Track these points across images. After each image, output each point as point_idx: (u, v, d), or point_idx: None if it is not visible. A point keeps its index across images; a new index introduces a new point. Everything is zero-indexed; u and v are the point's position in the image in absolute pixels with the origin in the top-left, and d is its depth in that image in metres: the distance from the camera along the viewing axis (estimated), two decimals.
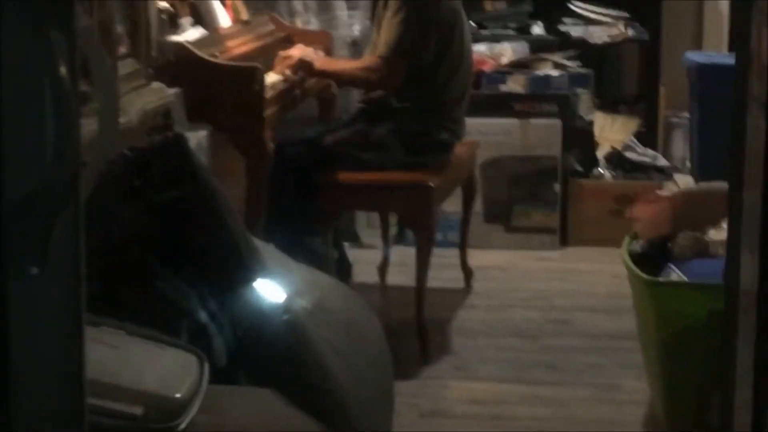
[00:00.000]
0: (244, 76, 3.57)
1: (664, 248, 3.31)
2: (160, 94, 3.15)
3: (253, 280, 2.33)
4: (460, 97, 3.94)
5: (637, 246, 3.33)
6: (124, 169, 1.92)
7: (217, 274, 2.08)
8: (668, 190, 3.88)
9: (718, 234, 3.21)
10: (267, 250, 2.71)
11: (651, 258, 3.31)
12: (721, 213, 3.26)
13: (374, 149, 3.83)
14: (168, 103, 3.20)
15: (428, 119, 3.85)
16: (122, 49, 3.01)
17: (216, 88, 3.55)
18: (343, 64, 4.03)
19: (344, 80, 4.06)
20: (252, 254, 2.37)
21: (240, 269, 2.19)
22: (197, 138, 3.41)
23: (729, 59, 4.22)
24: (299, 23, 5.09)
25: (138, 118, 2.89)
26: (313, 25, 5.11)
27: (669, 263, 3.26)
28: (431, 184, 3.71)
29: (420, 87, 3.82)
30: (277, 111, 3.76)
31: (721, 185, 3.50)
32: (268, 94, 3.67)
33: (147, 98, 3.04)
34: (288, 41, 4.62)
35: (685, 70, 4.22)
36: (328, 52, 4.62)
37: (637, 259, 3.30)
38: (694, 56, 4.23)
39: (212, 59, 3.60)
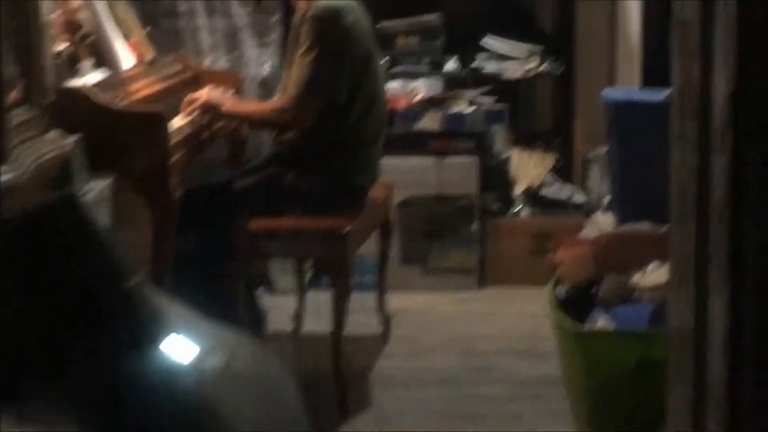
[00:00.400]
0: (147, 122, 3.39)
1: (588, 293, 3.22)
2: (57, 143, 2.97)
3: (155, 346, 2.17)
4: (374, 137, 3.82)
5: (562, 292, 3.23)
6: (7, 240, 1.75)
7: (114, 350, 1.92)
8: (589, 230, 3.78)
9: (644, 278, 3.13)
10: (171, 308, 2.55)
11: (576, 303, 3.22)
12: (646, 256, 3.18)
13: (287, 194, 3.68)
14: (66, 152, 3.02)
15: (342, 161, 3.72)
16: (15, 96, 2.82)
17: (118, 135, 3.37)
18: (252, 105, 3.87)
19: (254, 122, 3.92)
20: (154, 319, 2.20)
21: (140, 339, 2.03)
22: (99, 188, 3.22)
23: (647, 95, 4.17)
24: (208, 62, 4.95)
25: (33, 171, 2.71)
26: (222, 63, 4.97)
27: (594, 308, 3.16)
28: (346, 230, 3.56)
29: (333, 128, 3.69)
30: (184, 156, 3.59)
31: (645, 227, 3.43)
32: (174, 139, 3.50)
33: (43, 149, 2.85)
34: (196, 81, 4.46)
35: (602, 106, 4.14)
36: (238, 91, 4.48)
37: (562, 304, 3.20)
38: (612, 93, 4.16)
39: (113, 105, 3.42)
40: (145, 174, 3.39)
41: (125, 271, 2.05)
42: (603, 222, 3.90)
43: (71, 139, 3.10)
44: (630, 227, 3.45)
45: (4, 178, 2.54)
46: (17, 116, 2.79)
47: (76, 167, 3.08)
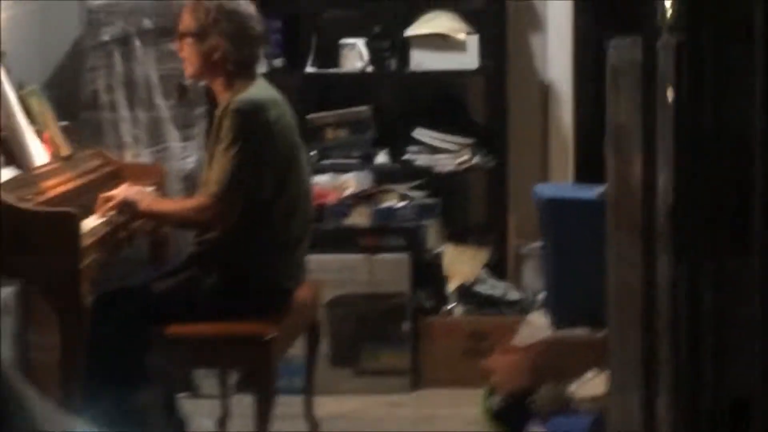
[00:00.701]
0: (56, 223, 3.20)
1: (524, 403, 3.07)
2: None
3: None
4: (300, 236, 3.65)
5: (496, 401, 3.07)
6: None
7: None
8: (524, 334, 3.64)
9: (581, 387, 2.98)
10: (79, 425, 2.34)
11: (511, 413, 3.06)
12: (583, 364, 3.03)
13: (207, 298, 3.49)
14: None
15: (265, 263, 3.54)
16: None
17: (25, 237, 3.17)
18: (171, 204, 3.68)
19: (173, 221, 3.73)
20: None
21: None
22: (4, 296, 3.02)
23: (579, 192, 4.06)
24: (128, 156, 4.77)
25: None
26: (145, 157, 4.79)
27: (531, 419, 3.01)
28: (270, 337, 3.38)
29: (256, 227, 3.52)
30: (98, 259, 3.40)
31: (581, 333, 3.29)
32: (87, 240, 3.31)
33: None
34: (116, 176, 4.28)
35: (534, 202, 4.03)
36: (160, 187, 4.31)
37: (496, 415, 3.04)
38: (544, 189, 4.04)
39: (19, 204, 3.23)
40: (53, 280, 3.19)
41: (28, 404, 1.85)
42: (537, 323, 3.76)
43: None
44: (566, 333, 3.31)
45: None
46: None
47: None
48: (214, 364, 3.88)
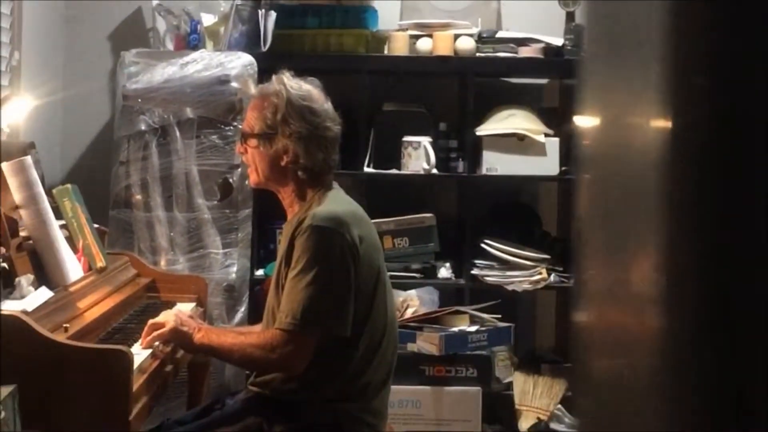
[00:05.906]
0: (103, 363, 2.60)
1: None
2: None
3: None
4: (383, 381, 3.05)
5: None
6: None
7: None
8: None
9: None
10: None
11: None
12: None
13: None
14: None
15: (342, 412, 2.94)
16: None
17: (59, 379, 2.58)
18: (231, 337, 3.02)
19: (233, 359, 3.08)
20: None
21: None
22: None
23: None
24: (163, 263, 4.19)
25: None
26: (181, 265, 4.20)
27: None
28: None
29: (332, 370, 2.92)
30: (147, 404, 2.79)
31: None
32: (137, 381, 2.71)
33: None
34: (152, 288, 3.73)
35: None
36: (201, 302, 3.73)
37: None
38: None
39: (56, 338, 2.63)
40: None
41: None
42: None
43: (3, 391, 2.32)
44: None
45: None
46: None
47: (7, 423, 2.29)
48: None
